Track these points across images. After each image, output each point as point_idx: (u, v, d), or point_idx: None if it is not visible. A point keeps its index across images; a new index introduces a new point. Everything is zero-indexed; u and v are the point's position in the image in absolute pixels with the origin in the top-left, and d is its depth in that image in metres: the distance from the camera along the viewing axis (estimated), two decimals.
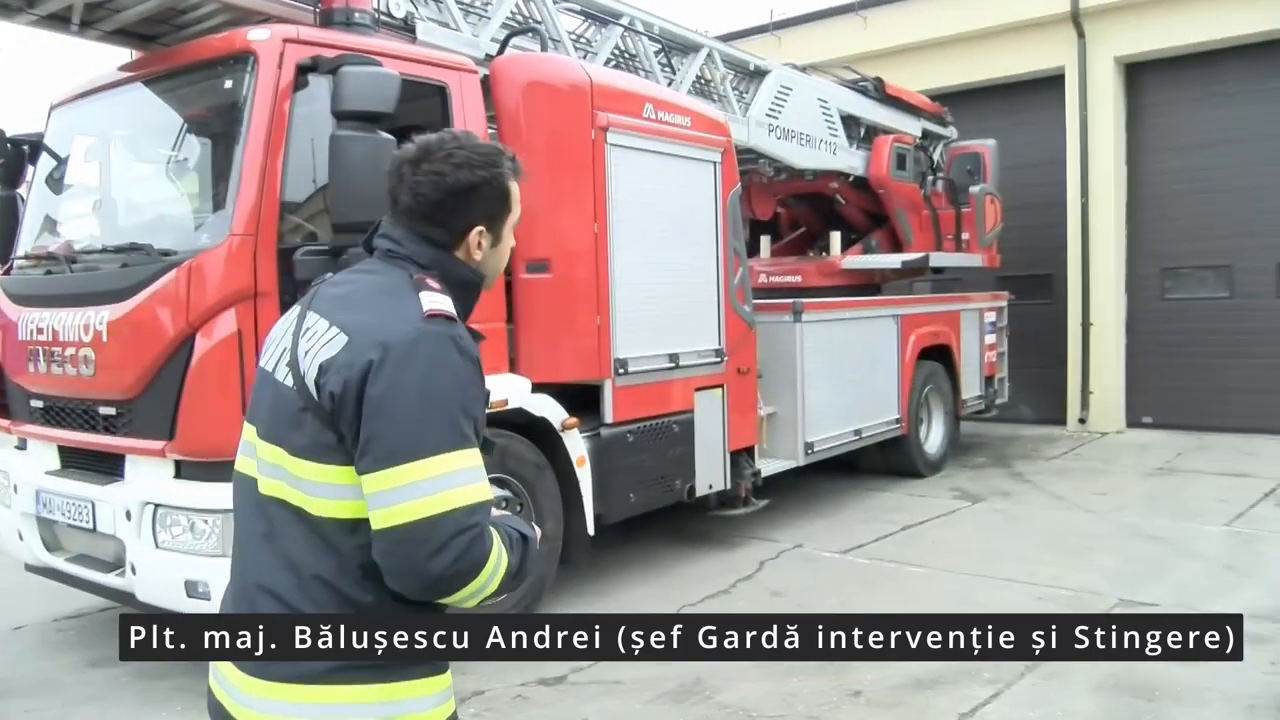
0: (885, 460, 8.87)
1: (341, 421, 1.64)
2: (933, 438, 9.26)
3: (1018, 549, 6.59)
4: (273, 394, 1.75)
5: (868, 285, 9.42)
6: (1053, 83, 11.77)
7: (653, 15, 7.13)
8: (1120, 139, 11.55)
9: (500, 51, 5.77)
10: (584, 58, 6.58)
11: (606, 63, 6.75)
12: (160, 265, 4.23)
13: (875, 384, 8.33)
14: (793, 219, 10.20)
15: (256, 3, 4.87)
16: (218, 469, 4.08)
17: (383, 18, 5.23)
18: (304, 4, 4.98)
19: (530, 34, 5.96)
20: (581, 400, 5.60)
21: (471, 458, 1.63)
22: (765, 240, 9.74)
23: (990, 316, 10.21)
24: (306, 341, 1.71)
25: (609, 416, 5.66)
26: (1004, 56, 11.88)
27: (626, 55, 7.08)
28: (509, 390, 5.13)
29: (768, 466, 7.09)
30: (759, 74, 8.19)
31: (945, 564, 6.26)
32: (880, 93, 9.49)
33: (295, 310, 1.82)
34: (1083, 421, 11.64)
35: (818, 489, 8.44)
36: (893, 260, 9.19)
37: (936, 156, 10.39)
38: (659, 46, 7.27)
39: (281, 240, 4.28)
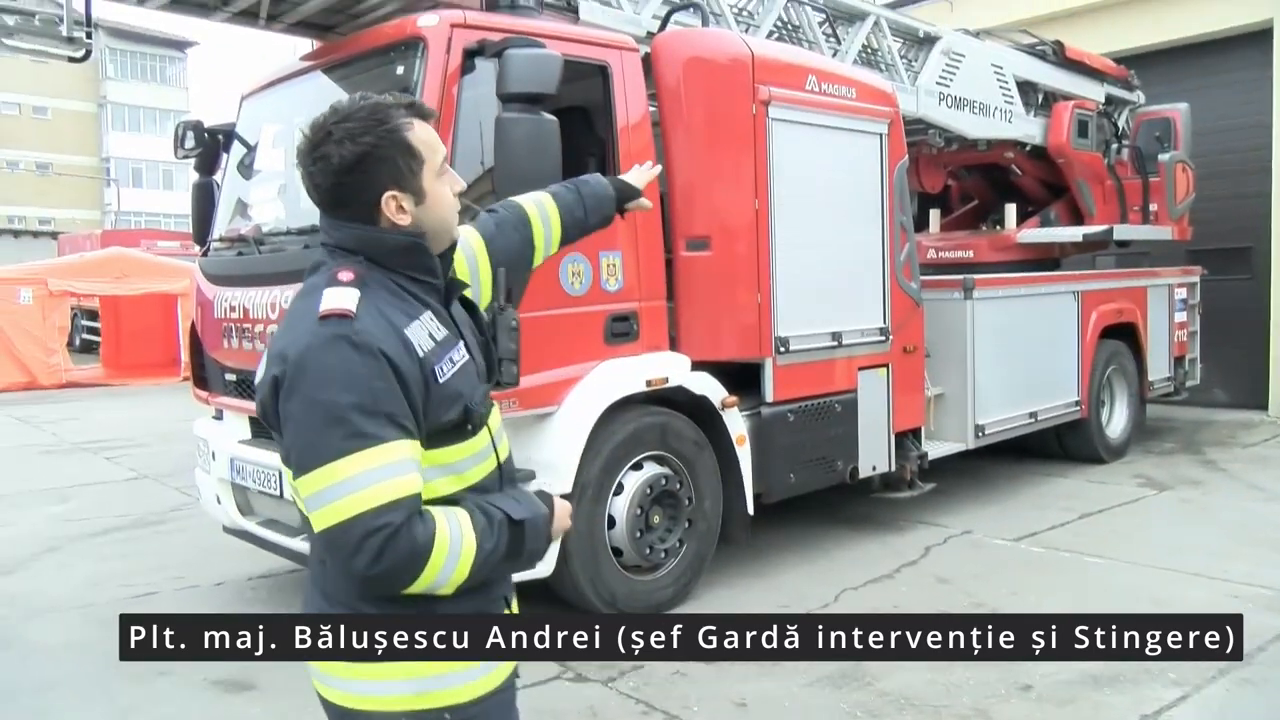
0: (1063, 445, 8.43)
1: (276, 434, 1.70)
2: (1115, 421, 8.73)
3: (1208, 542, 6.15)
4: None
5: (1046, 260, 8.97)
6: (1256, 39, 10.83)
7: None
8: None
9: (662, 28, 5.74)
10: (746, 31, 6.47)
11: (769, 35, 6.61)
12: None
13: (1053, 364, 7.91)
14: (964, 192, 9.79)
15: None
16: None
17: (546, 0, 5.29)
18: None
19: (692, 9, 5.90)
20: (742, 379, 5.55)
21: (377, 456, 1.59)
22: (935, 214, 9.38)
23: (1181, 293, 9.53)
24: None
25: (769, 395, 5.59)
26: (1198, 12, 11.00)
27: (790, 27, 6.91)
28: (669, 368, 5.12)
29: (935, 449, 6.85)
30: (928, 41, 7.85)
31: (1127, 555, 5.90)
32: (1060, 56, 8.95)
33: None
34: None
35: (989, 474, 8.10)
36: (1073, 233, 8.69)
37: (1122, 123, 9.72)
38: (823, 16, 7.07)
39: None
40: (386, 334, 1.65)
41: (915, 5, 12.16)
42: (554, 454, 4.65)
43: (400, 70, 4.62)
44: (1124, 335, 8.72)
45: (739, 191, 5.43)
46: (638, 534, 4.95)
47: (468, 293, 1.96)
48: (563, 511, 1.88)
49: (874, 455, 6.23)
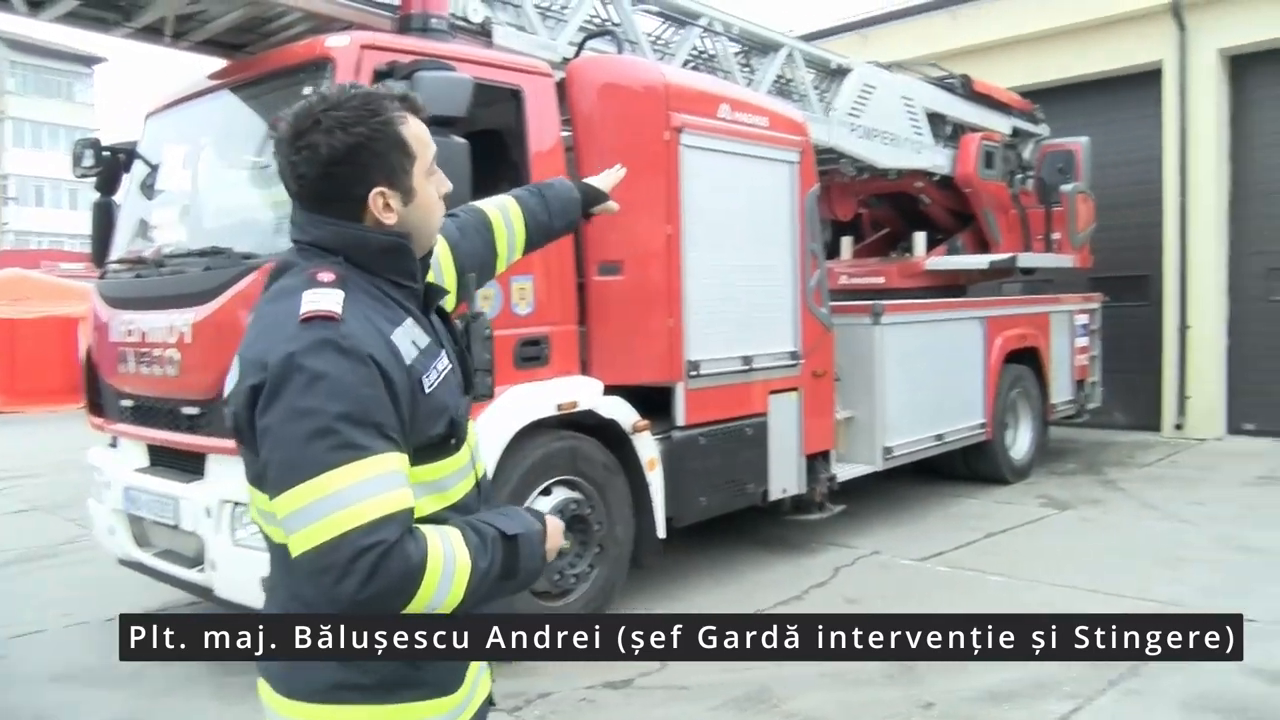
0: (969, 466, 8.63)
1: (251, 450, 1.57)
2: (1020, 443, 8.98)
3: (1106, 559, 6.35)
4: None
5: (953, 287, 9.18)
6: (1149, 78, 11.35)
7: (731, 16, 7.05)
8: (1223, 135, 11.06)
9: (577, 54, 5.78)
10: (662, 59, 6.55)
11: (685, 64, 6.70)
12: (241, 268, 4.33)
13: (959, 387, 8.11)
14: (875, 220, 10.01)
15: (337, 9, 4.95)
16: None
17: (459, 23, 5.29)
18: (383, 11, 5.06)
19: (607, 36, 5.95)
20: (654, 403, 5.57)
21: (367, 468, 1.47)
22: (847, 241, 9.59)
23: (1082, 319, 9.87)
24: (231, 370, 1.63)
25: (681, 419, 5.61)
26: (1098, 51, 11.48)
27: (705, 56, 7.01)
28: (580, 392, 5.12)
29: (844, 471, 6.95)
30: (841, 73, 8.04)
31: (1028, 573, 6.06)
32: (967, 90, 9.25)
33: None
34: (1179, 428, 11.18)
35: (897, 495, 8.26)
36: (979, 261, 8.95)
37: (1026, 155, 10.07)
38: (738, 47, 7.20)
39: None
40: (374, 339, 1.55)
41: (829, 38, 12.48)
42: None
43: (309, 91, 4.56)
44: (1028, 360, 8.98)
45: (651, 217, 5.46)
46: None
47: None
48: (555, 528, 1.77)
49: (785, 478, 6.30)
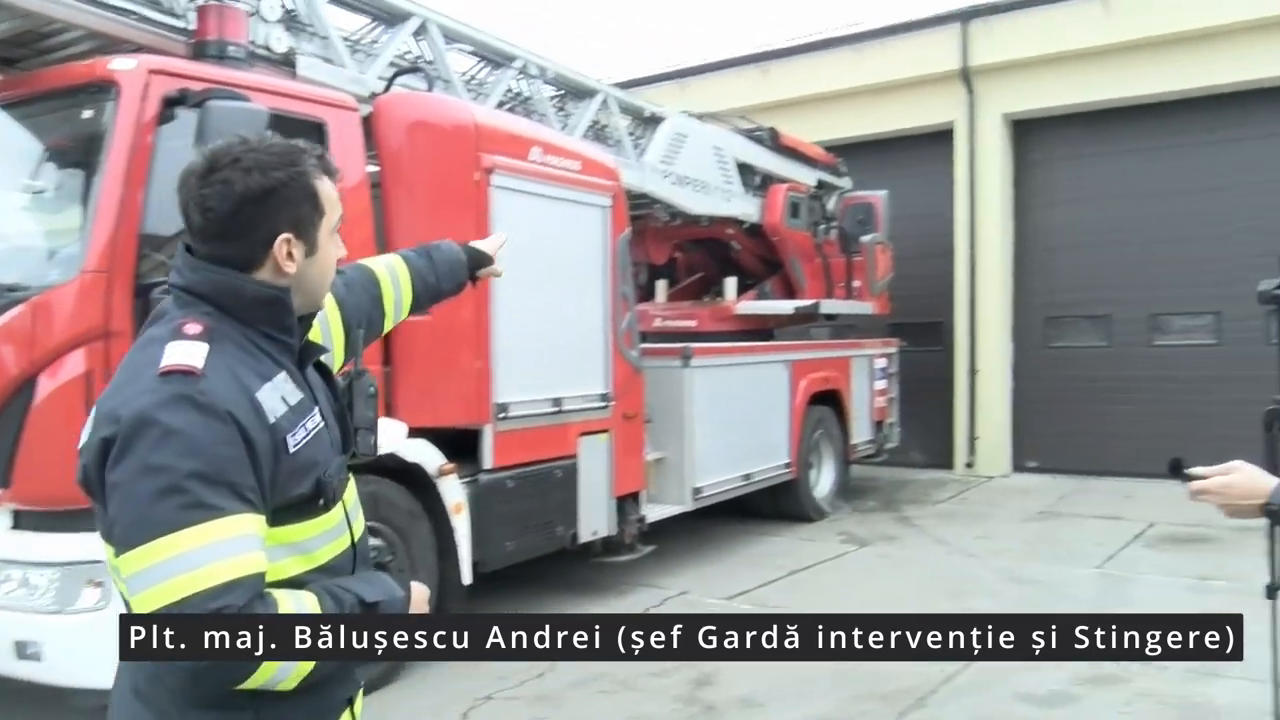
0: (775, 505, 8.90)
1: (99, 505, 1.51)
2: (823, 482, 9.34)
3: (898, 593, 6.65)
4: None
5: (762, 331, 9.51)
6: (943, 137, 12.17)
7: (548, 60, 7.13)
8: (1007, 193, 11.96)
9: (387, 90, 5.69)
10: (476, 99, 6.54)
11: (500, 105, 6.71)
12: (4, 301, 4.02)
13: (765, 429, 8.38)
14: (689, 264, 10.27)
15: (124, 30, 4.70)
16: (58, 519, 3.91)
17: (261, 52, 5.11)
18: (177, 35, 4.84)
19: (419, 73, 5.89)
20: (462, 445, 5.49)
21: (217, 530, 1.42)
22: (661, 285, 9.79)
23: (881, 362, 10.40)
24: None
25: (488, 462, 5.57)
26: (897, 110, 12.24)
27: (521, 98, 7.06)
28: (382, 435, 4.98)
29: (654, 512, 7.04)
30: (655, 121, 8.25)
31: (827, 609, 6.27)
32: (775, 142, 9.65)
33: None
34: (970, 466, 11.91)
35: (706, 534, 8.43)
36: (785, 306, 9.31)
37: (830, 206, 10.59)
38: (555, 90, 7.28)
39: (140, 278, 4.12)
40: (235, 395, 1.50)
41: (648, 86, 12.80)
42: None
43: (89, 114, 4.32)
44: (830, 401, 9.39)
45: None
46: None
47: (324, 357, 1.79)
48: (419, 596, 1.74)
49: (595, 520, 6.32)
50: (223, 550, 1.42)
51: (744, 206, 9.15)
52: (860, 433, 9.95)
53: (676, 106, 9.05)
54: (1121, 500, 9.87)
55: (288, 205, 1.61)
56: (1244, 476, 2.00)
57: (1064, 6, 11.13)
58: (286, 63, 5.28)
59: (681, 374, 7.41)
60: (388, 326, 2.22)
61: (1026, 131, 11.99)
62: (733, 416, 7.88)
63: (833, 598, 6.55)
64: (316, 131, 4.85)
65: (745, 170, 9.25)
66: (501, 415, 5.60)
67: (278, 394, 1.57)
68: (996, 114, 11.81)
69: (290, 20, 5.40)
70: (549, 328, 6.01)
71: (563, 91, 7.40)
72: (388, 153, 5.33)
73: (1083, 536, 8.37)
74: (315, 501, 1.61)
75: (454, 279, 2.43)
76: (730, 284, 9.45)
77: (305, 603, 1.54)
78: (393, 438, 5.04)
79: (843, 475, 9.68)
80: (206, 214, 1.58)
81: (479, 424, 5.53)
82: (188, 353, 1.50)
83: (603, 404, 6.40)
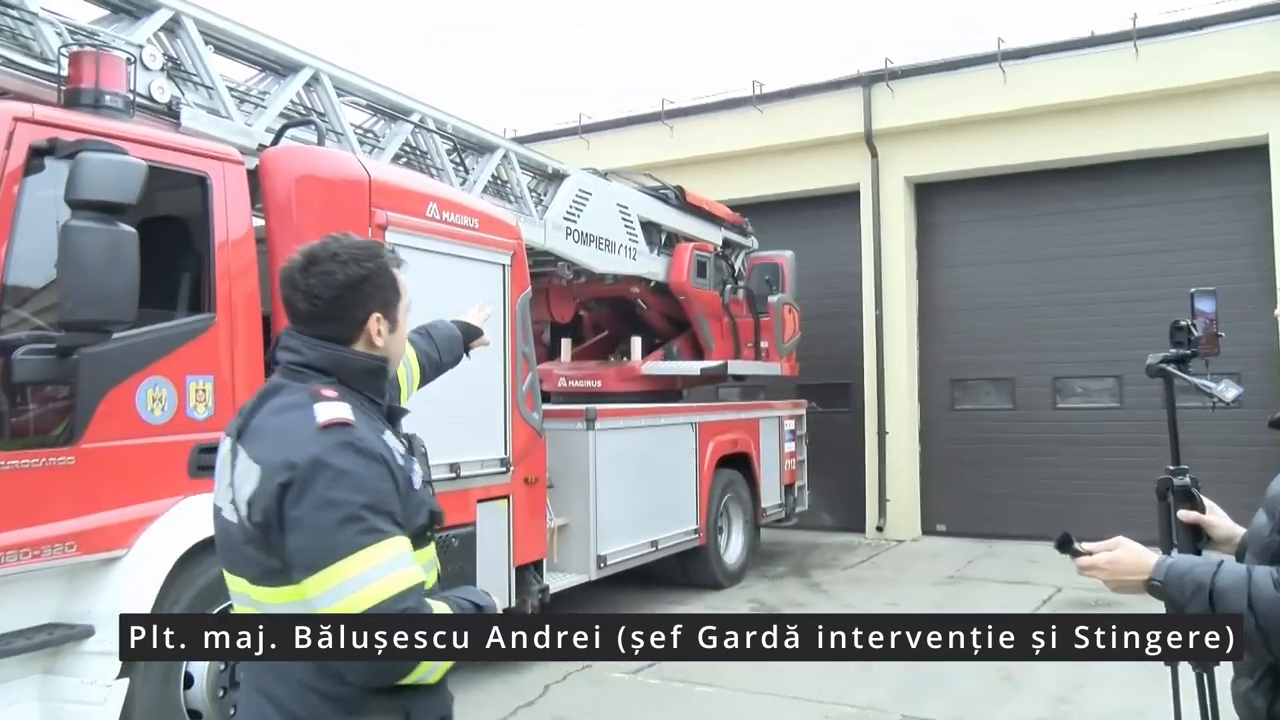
0: (684, 572, 8.91)
1: (275, 546, 1.89)
2: (732, 547, 9.39)
3: (807, 663, 6.66)
4: (223, 530, 2.02)
5: (670, 392, 9.59)
6: (849, 198, 12.56)
7: (446, 114, 7.17)
8: (911, 254, 12.37)
9: (275, 142, 5.64)
10: (371, 153, 6.53)
11: (396, 159, 6.72)
12: None
13: (673, 493, 8.40)
14: (595, 322, 10.32)
15: None
16: None
17: (142, 101, 5.03)
18: (47, 81, 4.73)
19: (309, 125, 5.86)
20: None
21: (388, 549, 1.86)
22: (566, 343, 9.79)
23: (790, 424, 10.55)
24: (238, 477, 1.96)
25: None
26: (803, 171, 12.62)
27: (418, 152, 7.07)
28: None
29: (557, 581, 6.98)
30: (557, 177, 8.34)
31: (734, 682, 6.27)
32: (681, 201, 9.83)
33: (227, 444, 2.05)
34: (880, 529, 12.10)
35: (612, 604, 8.37)
36: (691, 367, 9.41)
37: (737, 265, 10.81)
38: (451, 145, 7.30)
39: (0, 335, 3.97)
40: (378, 442, 1.97)
41: (553, 140, 12.96)
42: (120, 605, 4.18)
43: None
44: (739, 464, 9.48)
45: None
46: (220, 693, 4.55)
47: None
48: (499, 604, 2.16)
49: (494, 590, 6.20)
50: (396, 564, 1.87)
51: (650, 265, 9.26)
52: (770, 496, 10.05)
53: (581, 162, 9.17)
54: (1027, 565, 10.12)
55: (377, 289, 2.11)
56: (1129, 553, 2.07)
57: (964, 74, 11.68)
58: (169, 113, 5.21)
59: (586, 436, 7.40)
60: (403, 401, 2.58)
61: (929, 194, 12.46)
62: (639, 481, 7.89)
63: (739, 669, 6.53)
64: (199, 184, 4.78)
65: (651, 228, 9.39)
66: None
67: (393, 443, 2.05)
68: (899, 176, 12.25)
69: (174, 68, 5.35)
70: (444, 390, 5.78)
71: (461, 145, 7.44)
72: (275, 206, 5.25)
73: (991, 602, 8.56)
74: (425, 534, 2.09)
75: (453, 353, 3.13)
76: (636, 343, 9.52)
77: (442, 607, 1.99)
78: None
79: (752, 540, 9.74)
80: (313, 301, 2.07)
81: None
82: (337, 409, 1.96)
83: (502, 469, 6.35)
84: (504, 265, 6.52)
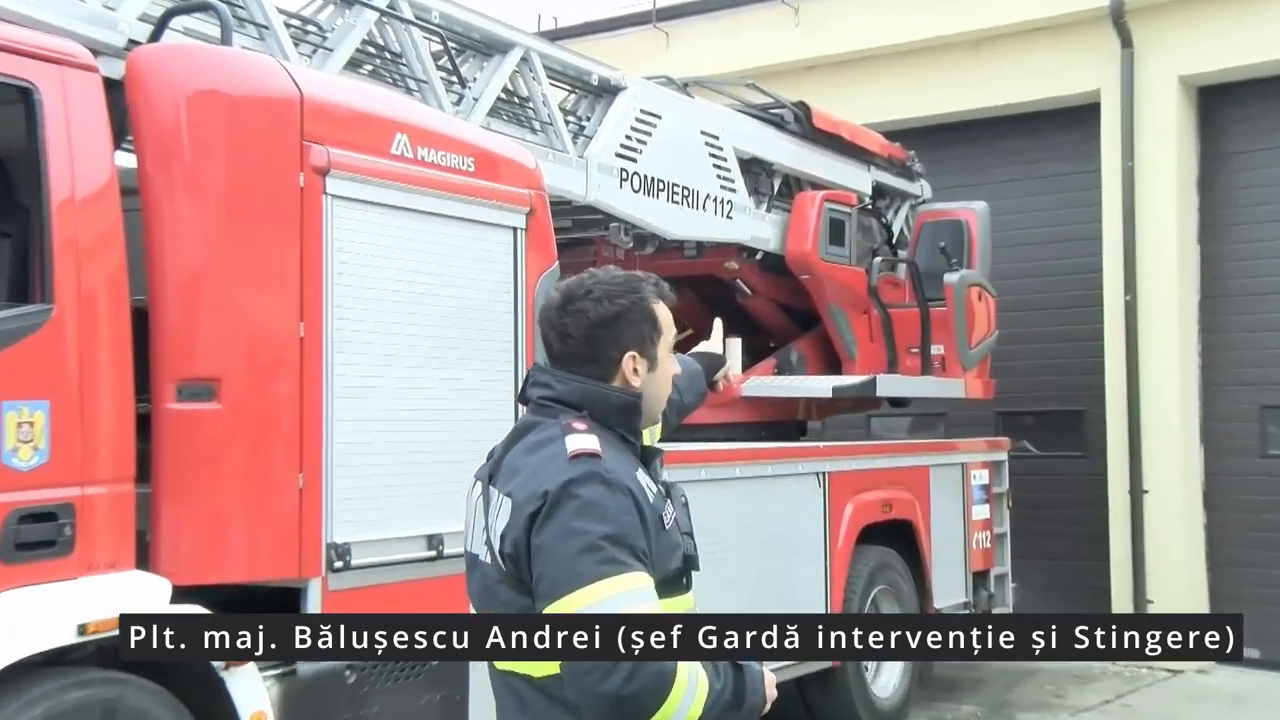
0: (809, 707, 8.85)
1: (526, 581, 2.72)
2: (885, 673, 9.32)
3: None
4: (479, 575, 2.92)
5: (786, 423, 9.52)
6: (1082, 115, 12.35)
7: None
8: (1189, 204, 12.07)
9: (155, 37, 5.73)
10: (313, 56, 6.61)
11: (351, 67, 6.79)
12: None
13: (785, 584, 8.31)
14: (674, 317, 10.26)
15: None
16: None
17: None
18: None
19: (208, 10, 5.87)
20: (270, 611, 5.44)
21: (630, 582, 2.64)
22: None
23: (982, 476, 10.38)
24: (493, 517, 2.87)
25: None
26: (1004, 74, 12.41)
27: (387, 55, 7.14)
28: (128, 601, 4.88)
29: None
30: (608, 91, 8.36)
31: None
32: (806, 125, 9.78)
33: (478, 486, 3.03)
34: None
35: None
36: (820, 386, 9.33)
37: (897, 225, 10.75)
38: (442, 44, 7.34)
39: None
40: (628, 475, 2.81)
41: (605, 35, 12.95)
42: None
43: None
44: (896, 538, 9.39)
45: (273, 307, 5.44)
46: None
47: None
48: (771, 679, 2.90)
49: None
50: (632, 598, 2.63)
51: (755, 227, 9.25)
52: (948, 590, 9.93)
53: (653, 67, 9.24)
54: None
55: (632, 326, 2.95)
56: None
57: None
58: None
59: None
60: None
61: (1220, 106, 12.14)
62: (731, 564, 7.80)
63: None
64: (20, 101, 4.79)
65: (757, 169, 9.42)
66: (339, 564, 5.52)
67: (644, 481, 2.89)
68: (1170, 77, 11.92)
69: None
70: (422, 419, 5.97)
71: (458, 45, 7.49)
72: (152, 135, 5.28)
73: None
74: (681, 579, 2.91)
75: (694, 390, 4.04)
76: (734, 347, 9.41)
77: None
78: (149, 605, 4.97)
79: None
80: (566, 340, 2.94)
81: (300, 580, 5.47)
82: (587, 441, 2.80)
83: None
84: (516, 229, 6.52)
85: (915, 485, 9.60)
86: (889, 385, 9.67)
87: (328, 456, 5.54)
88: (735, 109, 9.51)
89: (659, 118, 8.49)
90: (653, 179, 8.37)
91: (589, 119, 8.27)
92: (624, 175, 8.18)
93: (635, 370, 2.93)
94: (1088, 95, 12.26)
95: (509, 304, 6.47)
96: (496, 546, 2.80)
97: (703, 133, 8.88)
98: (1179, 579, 11.78)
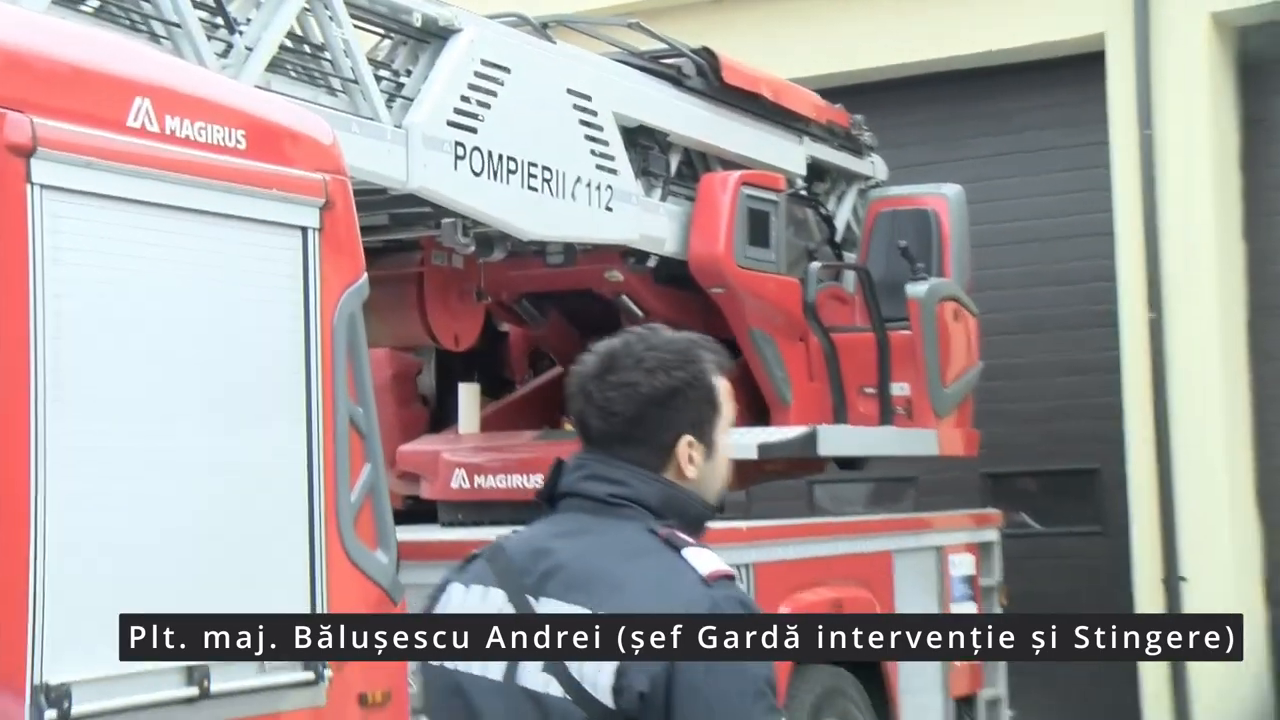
0: None
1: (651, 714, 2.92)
2: None
3: None
4: (514, 708, 3.06)
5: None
6: (1084, 65, 12.62)
7: None
8: (1230, 186, 12.33)
9: None
10: None
11: (67, 2, 6.69)
12: None
13: None
14: (532, 347, 10.27)
15: None
16: None
17: None
18: None
19: None
20: None
21: None
22: (469, 395, 9.69)
23: (964, 563, 10.40)
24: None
25: None
26: (982, 13, 12.58)
27: None
28: None
29: None
30: (435, 35, 8.29)
31: None
32: (714, 81, 9.80)
33: (492, 595, 3.18)
34: None
35: None
36: (740, 443, 9.24)
37: (842, 218, 10.80)
38: None
39: None
40: (753, 601, 3.35)
41: None
42: None
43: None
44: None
45: None
46: None
47: None
48: None
49: None
50: None
51: (644, 222, 9.26)
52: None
53: (495, 3, 9.13)
54: None
55: (691, 405, 3.16)
56: None
57: None
58: None
59: None
60: None
61: (1260, 48, 12.39)
62: None
63: None
64: None
65: (646, 143, 9.45)
66: (55, 705, 5.40)
67: None
68: (1200, 12, 12.15)
69: None
70: (174, 503, 5.91)
71: None
72: None
73: None
74: None
75: None
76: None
77: None
78: None
79: None
80: (610, 419, 3.14)
81: None
82: (716, 559, 3.03)
83: (306, 676, 6.26)
84: (306, 229, 6.46)
85: (875, 578, 9.61)
86: (835, 440, 9.69)
87: (36, 552, 5.39)
88: (615, 59, 9.47)
89: (508, 71, 8.44)
90: (500, 157, 8.31)
91: (409, 74, 8.18)
92: (459, 152, 8.11)
93: (691, 458, 3.15)
94: (1090, 41, 12.51)
95: (297, 333, 6.37)
96: (605, 681, 2.92)
97: (570, 91, 8.85)
98: (1227, 692, 11.90)
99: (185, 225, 6.00)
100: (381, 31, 8.14)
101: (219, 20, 7.32)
